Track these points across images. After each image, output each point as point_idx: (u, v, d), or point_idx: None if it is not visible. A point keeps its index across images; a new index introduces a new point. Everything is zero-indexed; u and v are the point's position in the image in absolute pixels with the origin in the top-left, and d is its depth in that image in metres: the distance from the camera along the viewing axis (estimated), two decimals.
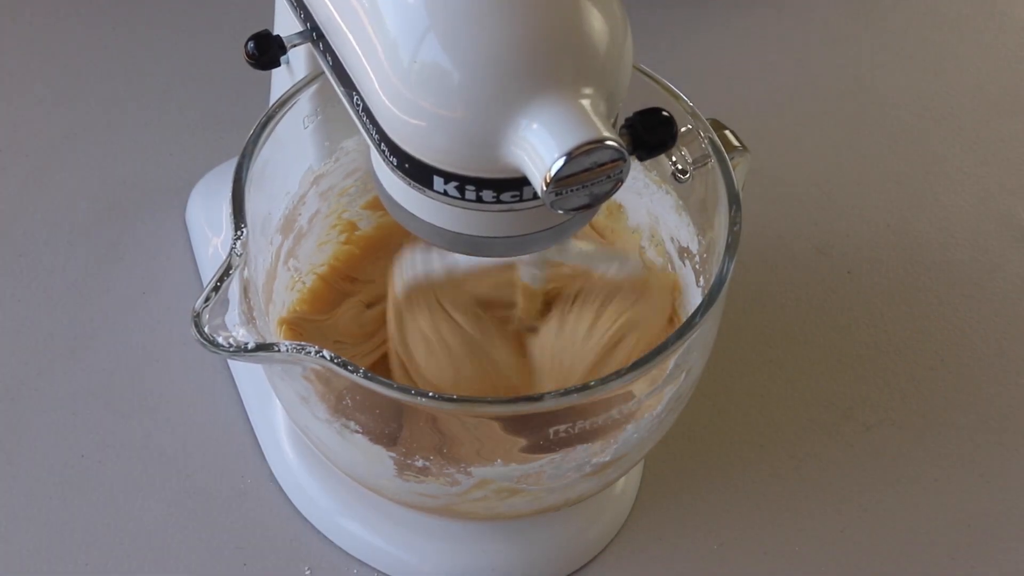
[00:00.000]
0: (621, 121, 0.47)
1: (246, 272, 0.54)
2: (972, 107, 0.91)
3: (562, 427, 0.55)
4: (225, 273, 0.53)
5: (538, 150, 0.44)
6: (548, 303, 0.64)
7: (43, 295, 0.77)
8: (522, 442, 0.56)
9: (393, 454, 0.56)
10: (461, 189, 0.47)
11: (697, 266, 0.63)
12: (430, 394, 0.52)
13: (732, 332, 0.76)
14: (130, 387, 0.73)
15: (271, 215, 0.63)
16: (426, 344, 0.62)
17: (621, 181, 0.46)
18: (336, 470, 0.62)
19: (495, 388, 0.62)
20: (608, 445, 0.57)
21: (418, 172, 0.48)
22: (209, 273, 0.75)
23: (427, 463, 0.56)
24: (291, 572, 0.67)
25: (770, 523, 0.70)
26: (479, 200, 0.47)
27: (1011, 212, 0.85)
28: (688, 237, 0.64)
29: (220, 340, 0.51)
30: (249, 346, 0.51)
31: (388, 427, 0.56)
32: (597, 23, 0.46)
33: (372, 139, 0.49)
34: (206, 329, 0.51)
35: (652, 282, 0.65)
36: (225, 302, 0.52)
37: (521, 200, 0.48)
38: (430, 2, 0.45)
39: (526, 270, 0.63)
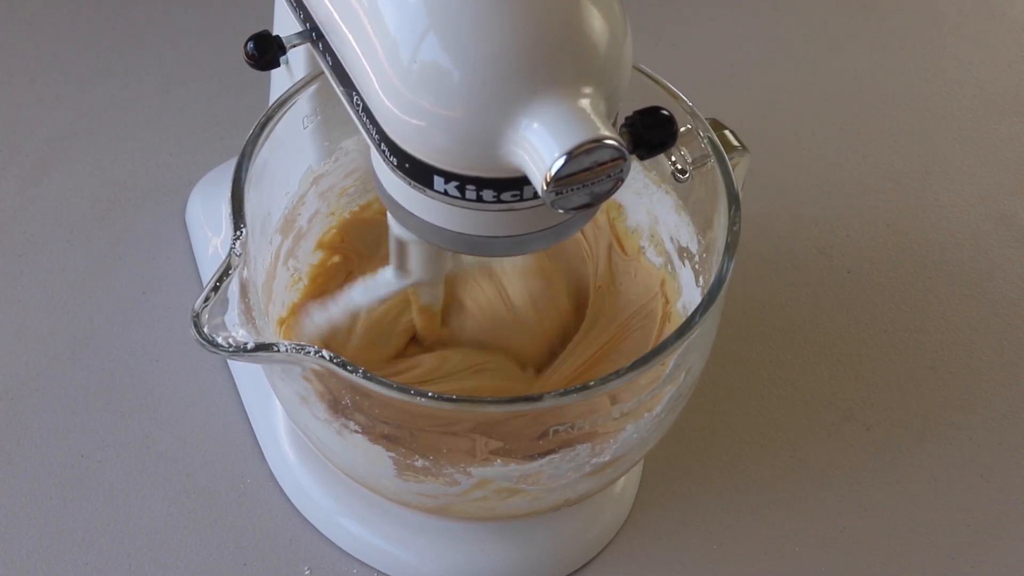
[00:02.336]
0: (621, 120, 0.47)
1: (245, 272, 0.54)
2: (972, 107, 0.91)
3: (562, 427, 0.55)
4: (225, 273, 0.53)
5: (538, 149, 0.44)
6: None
7: (43, 295, 0.77)
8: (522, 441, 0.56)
9: (393, 454, 0.56)
10: (461, 189, 0.47)
11: (697, 266, 0.63)
12: (429, 394, 0.52)
13: (732, 332, 0.76)
14: (130, 387, 0.73)
15: (271, 215, 0.63)
16: None
17: (621, 180, 0.46)
18: (336, 470, 0.62)
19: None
20: (608, 445, 0.57)
21: (418, 172, 0.48)
22: (209, 273, 0.75)
23: (427, 463, 0.56)
24: (291, 572, 0.67)
25: (770, 523, 0.70)
26: (479, 200, 0.47)
27: (1011, 212, 0.84)
28: (688, 237, 0.64)
29: (220, 340, 0.51)
30: (248, 346, 0.51)
31: (388, 427, 0.55)
32: (597, 23, 0.46)
33: (372, 139, 0.49)
34: (205, 329, 0.51)
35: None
36: (225, 302, 0.52)
37: (521, 199, 0.48)
38: (430, 2, 0.45)
39: (424, 292, 0.63)
